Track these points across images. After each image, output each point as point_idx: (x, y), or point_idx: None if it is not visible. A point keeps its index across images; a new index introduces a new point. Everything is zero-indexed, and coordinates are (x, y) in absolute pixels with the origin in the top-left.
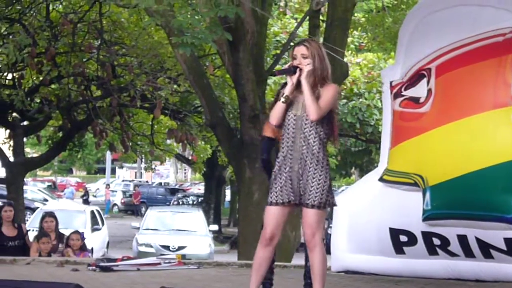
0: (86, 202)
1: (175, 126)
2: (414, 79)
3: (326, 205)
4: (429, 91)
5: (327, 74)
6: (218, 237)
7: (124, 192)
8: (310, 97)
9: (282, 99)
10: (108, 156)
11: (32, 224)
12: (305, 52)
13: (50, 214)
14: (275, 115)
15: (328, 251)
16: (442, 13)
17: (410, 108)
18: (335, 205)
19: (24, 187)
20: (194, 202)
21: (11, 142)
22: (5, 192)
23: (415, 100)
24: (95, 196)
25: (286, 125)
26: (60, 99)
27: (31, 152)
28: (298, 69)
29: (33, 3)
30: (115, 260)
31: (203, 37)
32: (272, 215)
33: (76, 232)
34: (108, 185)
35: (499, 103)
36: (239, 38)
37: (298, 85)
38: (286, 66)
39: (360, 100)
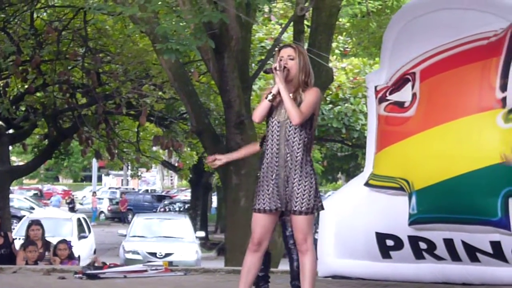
0: (72, 210)
1: (160, 133)
2: (399, 84)
3: (314, 209)
4: (414, 95)
5: (310, 80)
6: (205, 243)
7: (110, 200)
8: (289, 101)
9: (269, 97)
10: (94, 163)
11: (18, 233)
12: (292, 53)
13: (37, 222)
14: (258, 113)
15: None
16: (426, 17)
17: (395, 113)
18: (322, 208)
19: (11, 195)
20: (181, 209)
21: None
22: None
23: (400, 105)
24: (81, 204)
25: (270, 131)
26: (45, 107)
27: (17, 160)
28: (285, 69)
29: (17, 11)
30: (102, 267)
31: (188, 44)
32: (260, 222)
33: (63, 241)
34: (94, 193)
35: (484, 107)
36: (224, 44)
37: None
38: (275, 64)
39: (346, 105)
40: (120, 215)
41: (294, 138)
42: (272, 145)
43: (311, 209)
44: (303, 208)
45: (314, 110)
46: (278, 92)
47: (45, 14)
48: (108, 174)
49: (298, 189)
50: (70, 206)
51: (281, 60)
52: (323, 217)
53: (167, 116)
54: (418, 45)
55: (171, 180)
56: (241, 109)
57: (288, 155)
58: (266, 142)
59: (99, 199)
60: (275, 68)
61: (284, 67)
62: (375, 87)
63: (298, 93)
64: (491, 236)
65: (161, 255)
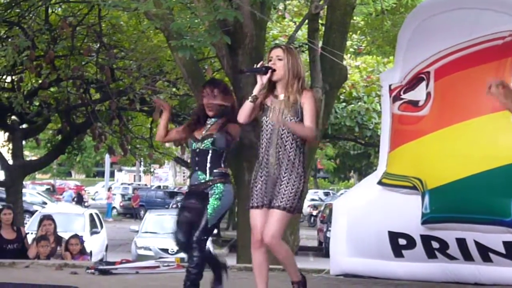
0: (77, 203)
1: None
2: (413, 82)
3: (295, 210)
4: (428, 94)
5: (301, 82)
6: (217, 240)
7: (123, 195)
8: (296, 128)
9: (250, 99)
10: (107, 159)
11: (31, 227)
12: (281, 54)
13: (49, 217)
14: (242, 114)
15: (327, 254)
16: (441, 16)
17: (409, 112)
18: (300, 211)
19: (23, 190)
20: None
21: (10, 145)
22: (4, 195)
23: (414, 104)
24: (94, 199)
25: (263, 131)
26: (59, 102)
27: (30, 155)
28: (270, 70)
29: (32, 6)
30: (114, 263)
31: (202, 40)
32: (256, 218)
33: (75, 236)
34: (110, 188)
35: (498, 107)
36: (238, 41)
37: (273, 89)
38: (258, 65)
39: (359, 103)
40: (132, 211)
41: (287, 138)
42: (265, 143)
43: (293, 208)
44: (282, 204)
45: (317, 113)
46: (259, 92)
47: (59, 9)
48: (120, 170)
49: (287, 186)
50: (75, 200)
51: (270, 60)
52: (336, 215)
53: (181, 113)
54: (433, 44)
55: (184, 176)
56: None
57: (280, 153)
58: (260, 141)
59: (112, 194)
60: (266, 68)
61: (269, 67)
62: (390, 85)
63: (291, 93)
64: (504, 236)
65: (173, 251)
